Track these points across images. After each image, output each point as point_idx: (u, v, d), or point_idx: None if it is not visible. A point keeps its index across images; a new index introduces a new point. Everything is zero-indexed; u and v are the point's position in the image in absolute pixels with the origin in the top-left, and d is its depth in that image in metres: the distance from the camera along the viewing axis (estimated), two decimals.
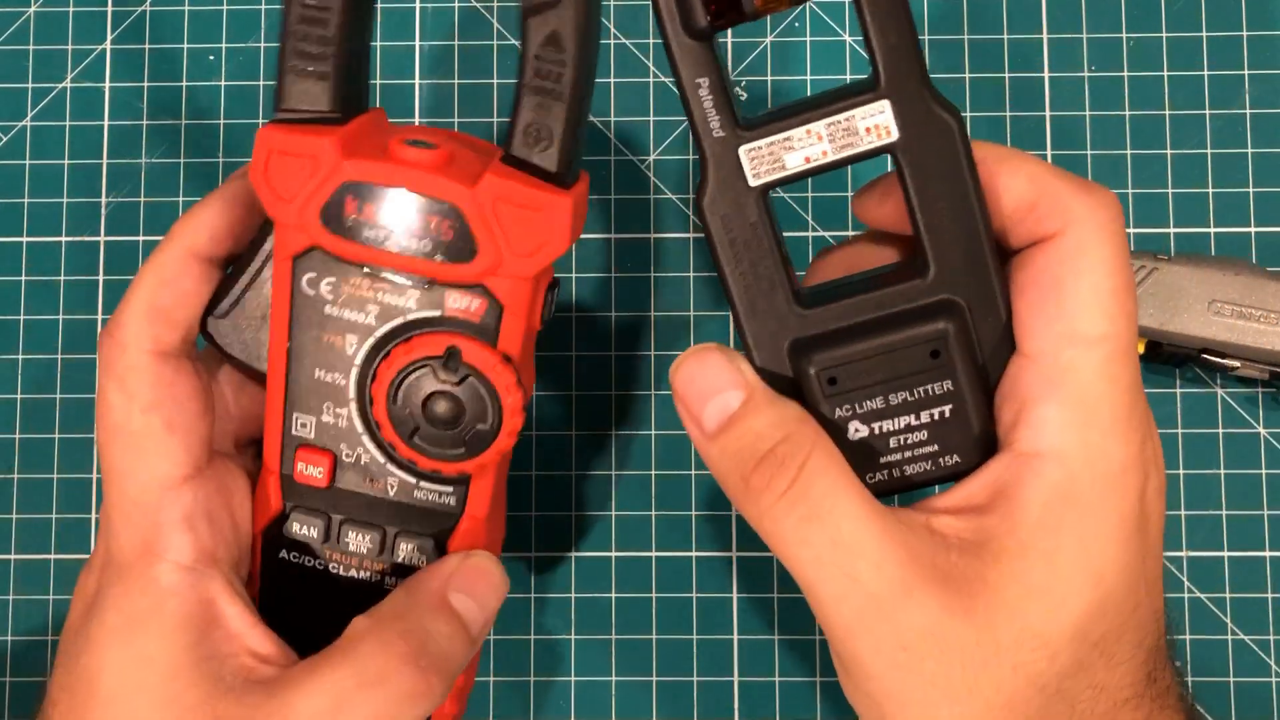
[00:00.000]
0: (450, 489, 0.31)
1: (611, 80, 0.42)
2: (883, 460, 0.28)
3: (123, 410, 0.29)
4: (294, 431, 0.30)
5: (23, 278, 0.41)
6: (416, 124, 0.42)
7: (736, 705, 0.40)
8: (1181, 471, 0.40)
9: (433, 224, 0.28)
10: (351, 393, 0.30)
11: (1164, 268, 0.39)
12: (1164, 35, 0.42)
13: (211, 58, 0.42)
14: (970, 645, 0.25)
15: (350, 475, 0.31)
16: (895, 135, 0.26)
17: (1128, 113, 0.41)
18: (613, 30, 0.42)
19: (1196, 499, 0.40)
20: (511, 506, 0.41)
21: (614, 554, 0.40)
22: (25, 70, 0.42)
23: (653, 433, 0.41)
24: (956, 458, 0.28)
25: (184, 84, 0.42)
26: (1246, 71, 0.41)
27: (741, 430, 0.27)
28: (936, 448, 0.28)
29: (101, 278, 0.41)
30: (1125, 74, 0.42)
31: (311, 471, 0.30)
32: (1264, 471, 0.40)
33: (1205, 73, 0.41)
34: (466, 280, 0.28)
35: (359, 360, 0.29)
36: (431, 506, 0.31)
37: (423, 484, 0.31)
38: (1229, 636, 0.40)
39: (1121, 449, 0.26)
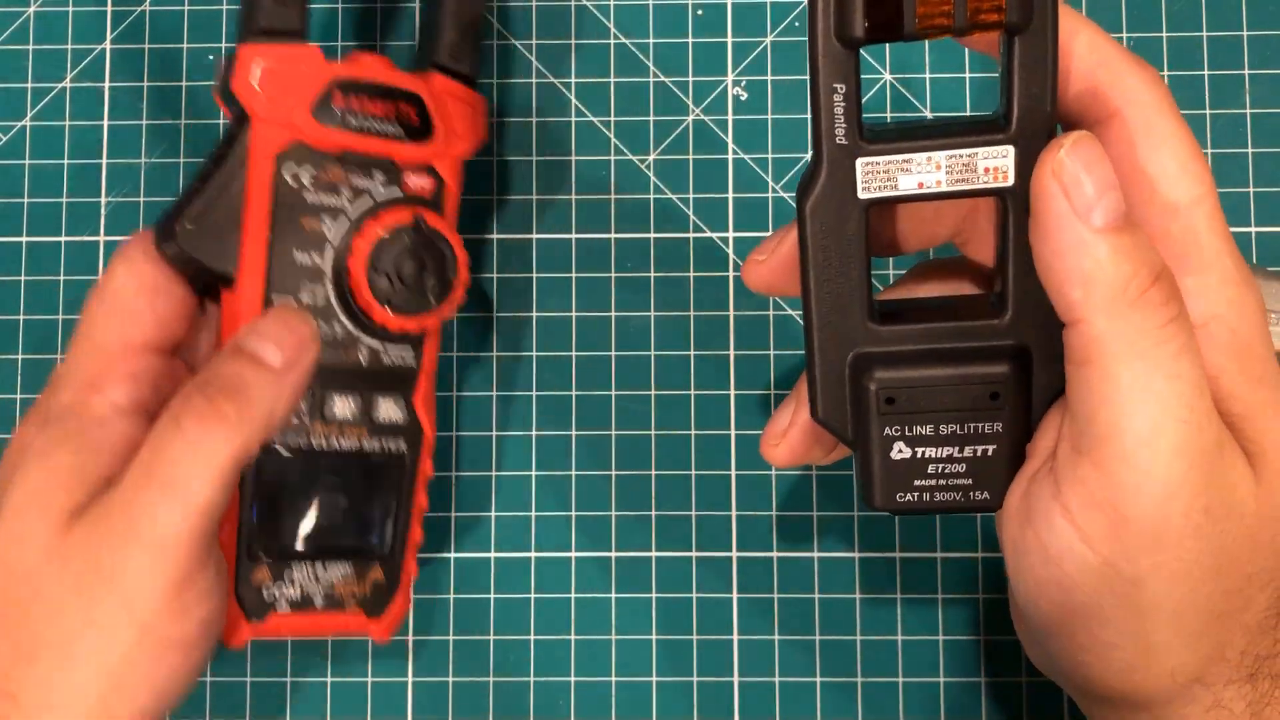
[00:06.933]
0: (410, 350, 0.36)
1: (612, 80, 0.42)
2: (915, 483, 0.28)
3: (122, 279, 0.32)
4: None
5: (22, 278, 0.41)
6: None
7: (736, 705, 0.40)
8: None
9: (401, 109, 0.35)
10: (328, 271, 0.34)
11: None
12: (1164, 35, 0.42)
13: (211, 58, 0.42)
14: (1252, 515, 0.25)
15: (327, 350, 0.34)
16: (1011, 181, 0.26)
17: None
18: (612, 30, 0.42)
19: None
20: (511, 506, 0.41)
21: (613, 554, 0.40)
22: (25, 70, 0.42)
23: (652, 433, 0.41)
24: (986, 494, 0.28)
25: (184, 84, 0.42)
26: (1247, 71, 0.41)
27: (1143, 238, 0.25)
28: (970, 481, 0.28)
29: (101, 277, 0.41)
30: None
31: None
32: None
33: (1205, 73, 0.41)
34: (421, 160, 0.35)
35: (336, 240, 0.34)
36: (397, 367, 0.35)
37: (389, 348, 0.35)
38: None
39: (1254, 293, 0.26)
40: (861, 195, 0.26)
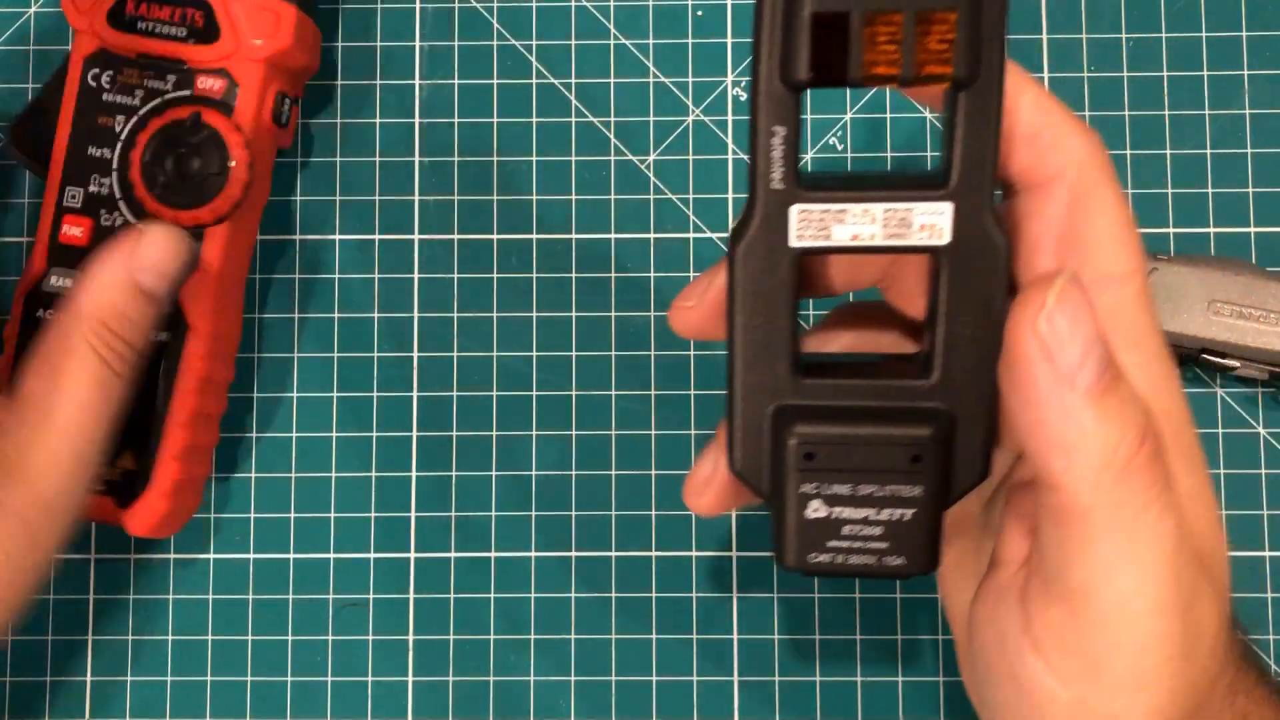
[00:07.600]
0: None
1: (611, 80, 0.42)
2: (829, 544, 0.27)
3: None
4: (64, 204, 0.38)
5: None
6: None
7: (736, 705, 0.40)
8: None
9: (187, 14, 0.37)
10: (115, 164, 0.37)
11: (1164, 268, 0.39)
12: (1164, 35, 0.42)
13: None
14: (1215, 634, 0.25)
15: (107, 236, 0.36)
16: (946, 239, 0.25)
17: (1127, 113, 0.41)
18: (612, 30, 0.42)
19: None
20: (511, 506, 0.41)
21: (614, 554, 0.40)
22: (25, 70, 0.42)
23: (652, 433, 0.41)
24: (902, 560, 0.27)
25: None
26: (1246, 71, 0.41)
27: (1128, 393, 0.23)
28: (886, 545, 0.27)
29: None
30: (1125, 74, 0.42)
31: (73, 231, 0.38)
32: (1264, 471, 0.40)
33: (1205, 73, 0.41)
34: (213, 63, 0.37)
35: (124, 135, 0.37)
36: None
37: None
38: None
39: (1172, 371, 0.26)
40: (793, 243, 0.26)
